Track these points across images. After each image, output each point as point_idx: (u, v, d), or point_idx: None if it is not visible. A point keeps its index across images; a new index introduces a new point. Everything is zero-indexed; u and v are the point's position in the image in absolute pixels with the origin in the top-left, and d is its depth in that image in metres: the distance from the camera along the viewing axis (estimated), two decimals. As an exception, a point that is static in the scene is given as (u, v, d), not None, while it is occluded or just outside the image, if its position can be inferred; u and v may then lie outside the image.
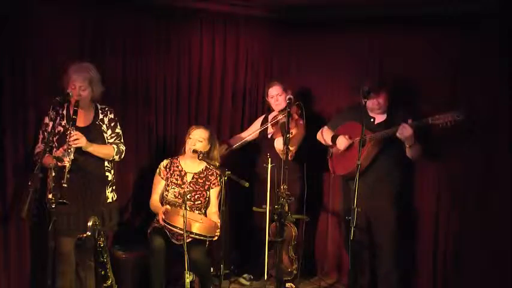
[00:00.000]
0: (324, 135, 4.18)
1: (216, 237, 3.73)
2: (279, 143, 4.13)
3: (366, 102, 3.67)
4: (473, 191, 3.90)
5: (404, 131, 3.61)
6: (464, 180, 3.94)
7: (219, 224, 3.78)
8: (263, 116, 4.58)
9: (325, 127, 4.22)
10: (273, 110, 4.45)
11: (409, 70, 4.11)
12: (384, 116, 3.90)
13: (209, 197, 4.01)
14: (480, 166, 3.86)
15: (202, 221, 3.76)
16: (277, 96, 4.34)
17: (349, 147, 3.94)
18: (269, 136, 4.35)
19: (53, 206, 3.10)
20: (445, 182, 4.03)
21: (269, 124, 4.33)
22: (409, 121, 3.61)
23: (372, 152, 3.82)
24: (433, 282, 4.08)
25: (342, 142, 3.95)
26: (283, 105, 4.28)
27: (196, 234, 3.62)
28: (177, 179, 3.97)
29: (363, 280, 4.03)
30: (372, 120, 3.90)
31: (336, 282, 4.57)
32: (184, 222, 3.47)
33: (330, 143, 4.09)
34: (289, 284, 4.25)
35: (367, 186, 3.76)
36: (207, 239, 3.70)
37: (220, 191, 3.83)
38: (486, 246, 3.82)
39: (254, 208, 4.14)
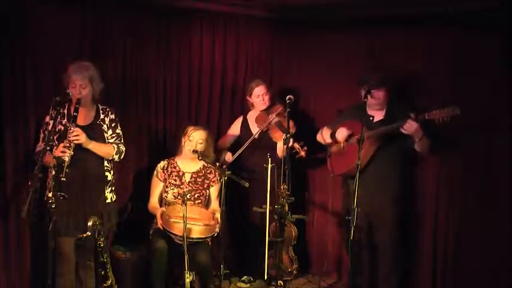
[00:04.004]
0: (324, 134, 4.18)
1: (216, 234, 3.72)
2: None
3: (366, 102, 3.67)
4: (473, 191, 3.90)
5: (411, 127, 3.60)
6: (464, 179, 3.94)
7: (218, 218, 3.78)
8: (241, 117, 4.54)
9: (325, 127, 4.22)
10: (252, 109, 4.46)
11: (409, 70, 4.11)
12: (382, 113, 3.90)
13: (209, 195, 4.03)
14: (480, 166, 3.86)
15: (200, 216, 3.76)
16: (262, 96, 4.36)
17: (347, 145, 3.92)
18: (257, 136, 4.30)
19: (53, 206, 3.11)
20: (444, 182, 4.02)
21: (265, 124, 4.29)
22: (413, 115, 3.59)
23: (370, 150, 3.81)
24: (433, 282, 4.08)
25: (342, 132, 3.93)
26: (268, 104, 4.35)
27: (196, 238, 3.64)
28: (175, 180, 3.98)
29: (362, 281, 4.02)
30: (370, 118, 3.90)
31: (336, 282, 4.57)
32: (184, 222, 3.48)
33: (329, 141, 4.09)
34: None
35: (366, 184, 3.75)
36: (209, 238, 3.71)
37: (220, 188, 3.83)
38: (486, 246, 3.83)
39: (254, 208, 4.14)
